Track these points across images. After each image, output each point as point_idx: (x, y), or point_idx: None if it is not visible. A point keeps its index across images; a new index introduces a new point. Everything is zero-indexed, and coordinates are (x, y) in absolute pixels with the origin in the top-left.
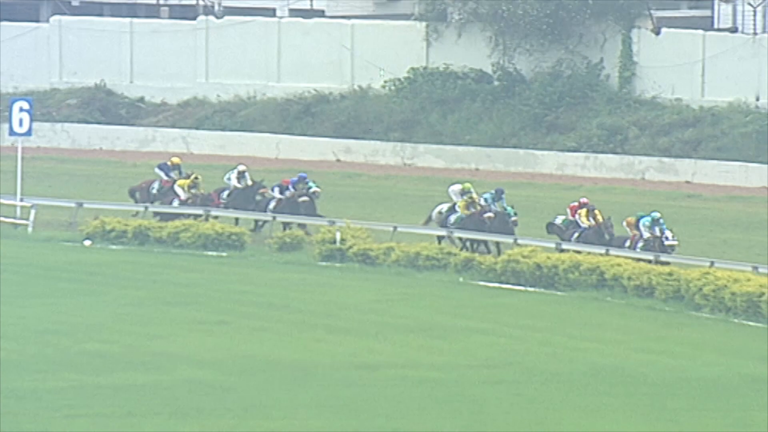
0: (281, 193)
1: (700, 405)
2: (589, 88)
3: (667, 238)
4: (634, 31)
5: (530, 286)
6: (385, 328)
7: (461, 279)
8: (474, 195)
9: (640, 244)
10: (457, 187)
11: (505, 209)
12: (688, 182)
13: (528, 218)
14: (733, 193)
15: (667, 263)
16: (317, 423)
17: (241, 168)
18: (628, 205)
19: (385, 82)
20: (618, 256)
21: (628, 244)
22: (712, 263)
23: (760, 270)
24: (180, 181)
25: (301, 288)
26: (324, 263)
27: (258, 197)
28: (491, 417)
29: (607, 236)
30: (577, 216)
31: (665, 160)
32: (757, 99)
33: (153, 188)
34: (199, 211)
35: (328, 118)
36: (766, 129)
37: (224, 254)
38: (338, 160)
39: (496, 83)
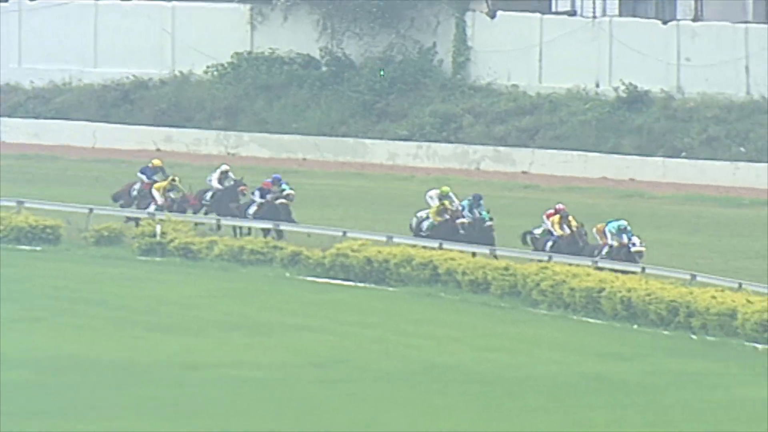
0: (262, 196)
1: (537, 404)
2: (422, 74)
3: (633, 245)
4: (468, 15)
5: (360, 282)
6: (207, 325)
7: (288, 274)
8: (447, 202)
9: (605, 250)
10: (435, 191)
11: (482, 216)
12: (524, 172)
13: (357, 209)
14: (572, 184)
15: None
16: (137, 425)
17: (224, 168)
18: (462, 197)
19: (208, 67)
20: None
21: (603, 251)
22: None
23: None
24: (157, 185)
25: (119, 283)
26: (143, 257)
27: (240, 196)
28: (321, 417)
29: (581, 243)
30: (549, 223)
31: (501, 149)
32: (597, 85)
33: (134, 191)
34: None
35: (148, 105)
36: (607, 117)
37: (38, 248)
38: (158, 150)
39: (324, 69)
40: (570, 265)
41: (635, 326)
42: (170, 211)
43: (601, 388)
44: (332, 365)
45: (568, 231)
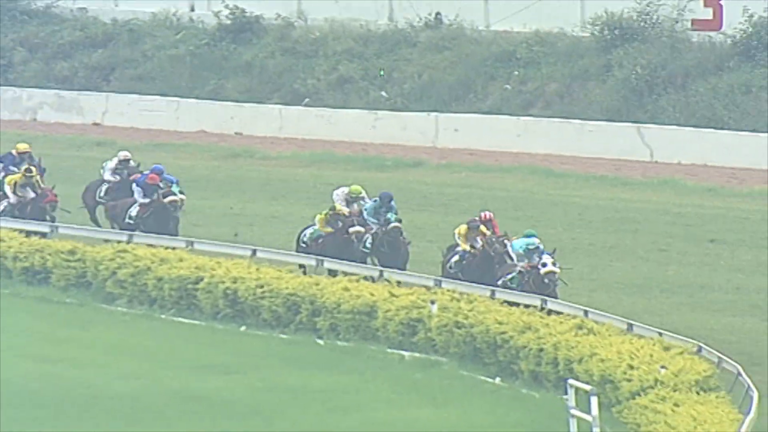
0: (146, 195)
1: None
2: None
3: (544, 264)
4: None
5: None
6: None
7: None
8: (356, 205)
9: (508, 277)
10: (343, 190)
11: (389, 221)
12: (96, 124)
13: None
14: (159, 139)
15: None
16: None
17: (124, 155)
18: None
19: None
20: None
21: (509, 276)
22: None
23: (197, 246)
24: (9, 178)
25: None
26: None
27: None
28: None
29: (496, 262)
30: (456, 235)
31: (65, 93)
32: (192, 9)
33: None
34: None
35: None
36: (205, 51)
37: None
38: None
39: None
40: (157, 247)
41: (243, 328)
42: (21, 214)
43: (198, 410)
44: None
45: (479, 246)
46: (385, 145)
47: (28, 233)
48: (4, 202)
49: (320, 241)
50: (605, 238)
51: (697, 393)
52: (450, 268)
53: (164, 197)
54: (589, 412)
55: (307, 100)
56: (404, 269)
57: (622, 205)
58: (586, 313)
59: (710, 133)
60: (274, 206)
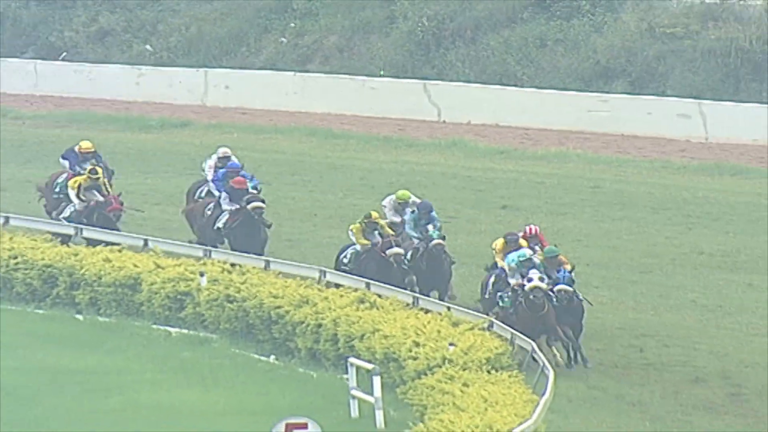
0: (233, 201)
1: None
2: None
3: (530, 279)
4: None
5: None
6: None
7: None
8: (392, 217)
9: (501, 296)
10: (390, 198)
11: (431, 237)
12: None
13: None
14: None
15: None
16: None
17: (223, 151)
18: None
19: None
20: None
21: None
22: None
23: None
24: (73, 180)
25: None
26: None
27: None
28: None
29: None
30: (493, 251)
31: None
32: None
33: (56, 186)
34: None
35: None
36: None
37: None
38: None
39: None
40: None
41: None
42: (87, 221)
43: None
44: None
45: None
46: (150, 104)
47: None
48: (71, 208)
49: (361, 258)
50: None
51: (488, 372)
52: (487, 295)
53: (248, 203)
54: (371, 393)
55: (64, 54)
56: (447, 291)
57: (407, 169)
58: (368, 285)
59: (502, 91)
60: (28, 169)
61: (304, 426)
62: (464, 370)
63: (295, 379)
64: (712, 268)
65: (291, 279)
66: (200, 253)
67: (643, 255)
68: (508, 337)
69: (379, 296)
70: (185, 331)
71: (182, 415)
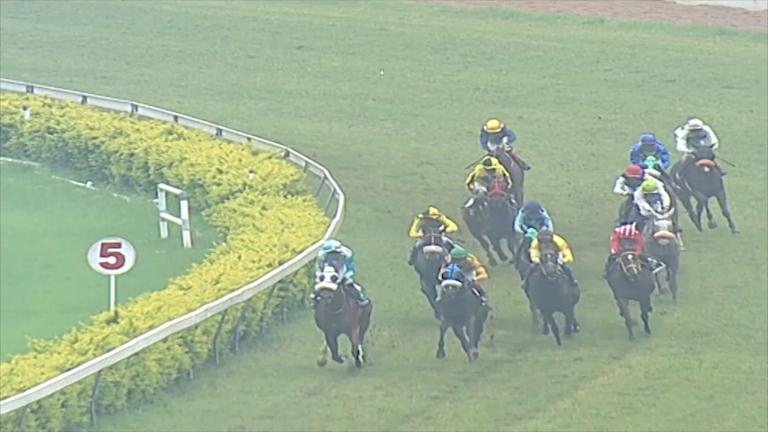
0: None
1: None
2: None
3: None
4: None
5: None
6: None
7: None
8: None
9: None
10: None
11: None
12: None
13: None
14: None
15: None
16: None
17: (694, 123)
18: None
19: None
20: None
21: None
22: None
23: None
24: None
25: None
26: None
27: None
28: None
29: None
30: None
31: None
32: None
33: None
34: None
35: None
36: None
37: None
38: None
39: None
40: None
41: None
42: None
43: None
44: None
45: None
46: None
47: None
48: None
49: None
50: (195, 45)
51: (285, 196)
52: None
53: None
54: (179, 215)
55: None
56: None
57: (212, 13)
58: (176, 118)
59: None
60: None
61: (118, 245)
62: (263, 195)
63: (109, 203)
64: (486, 102)
65: (106, 113)
66: (23, 89)
67: (424, 91)
68: (303, 165)
69: (186, 128)
70: (9, 159)
71: (6, 237)
